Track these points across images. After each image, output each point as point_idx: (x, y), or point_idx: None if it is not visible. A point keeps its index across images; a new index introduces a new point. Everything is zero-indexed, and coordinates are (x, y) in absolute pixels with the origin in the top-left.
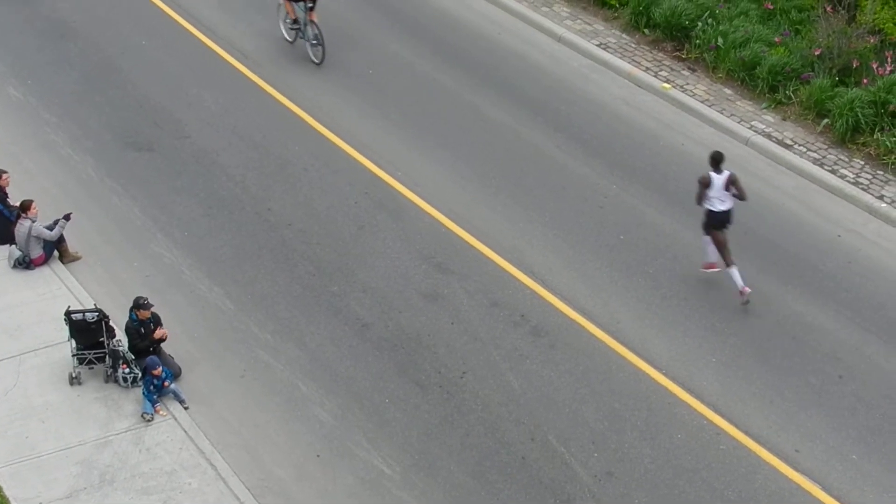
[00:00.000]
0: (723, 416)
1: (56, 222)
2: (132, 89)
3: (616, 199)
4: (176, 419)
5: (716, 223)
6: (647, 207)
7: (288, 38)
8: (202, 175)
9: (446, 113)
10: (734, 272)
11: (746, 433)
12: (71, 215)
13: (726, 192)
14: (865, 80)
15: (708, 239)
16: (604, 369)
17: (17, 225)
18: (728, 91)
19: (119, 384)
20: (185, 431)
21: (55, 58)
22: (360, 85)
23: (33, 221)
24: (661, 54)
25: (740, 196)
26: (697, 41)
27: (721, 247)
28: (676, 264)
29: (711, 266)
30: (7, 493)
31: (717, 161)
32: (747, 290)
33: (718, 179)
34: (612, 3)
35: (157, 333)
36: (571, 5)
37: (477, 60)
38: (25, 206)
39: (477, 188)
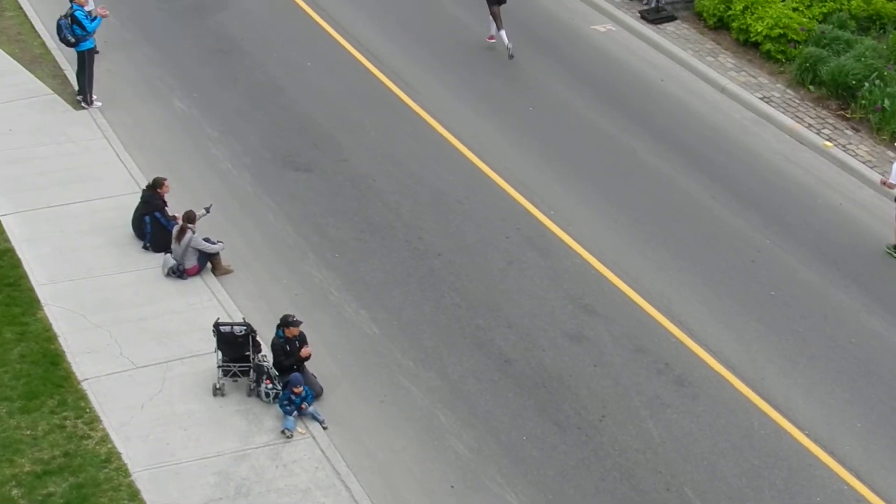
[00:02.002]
0: (864, 482)
1: (211, 240)
2: (294, 109)
3: (769, 254)
4: (314, 438)
5: None
6: (799, 265)
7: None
8: (357, 199)
9: (603, 155)
10: None
11: (888, 503)
12: (211, 207)
13: None
14: None
15: None
16: (745, 425)
17: (183, 236)
18: (891, 154)
19: (261, 399)
20: (323, 451)
21: (221, 74)
22: (519, 121)
23: (193, 233)
24: (824, 112)
25: None
26: (863, 101)
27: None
28: (826, 325)
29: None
30: (144, 496)
31: None
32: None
33: None
34: (779, 57)
35: (303, 352)
36: (737, 57)
37: (637, 105)
38: (190, 217)
39: (629, 232)
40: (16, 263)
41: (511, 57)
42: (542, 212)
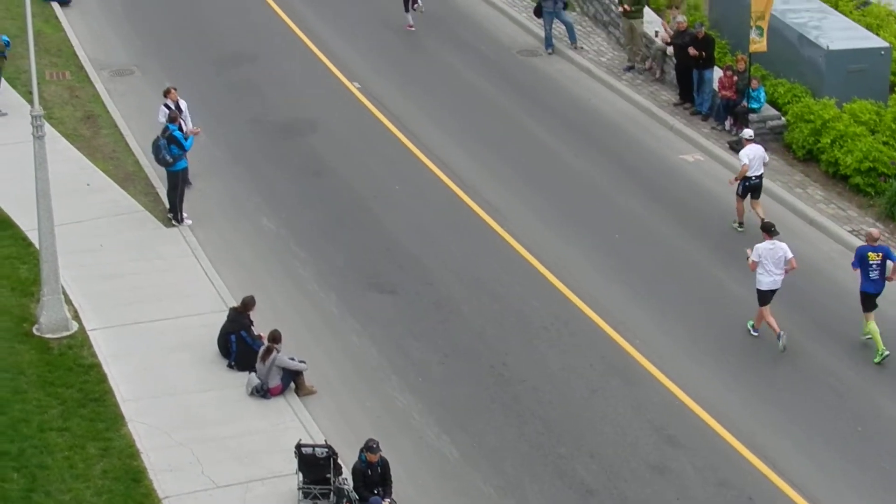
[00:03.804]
0: None
1: (295, 359)
2: (380, 231)
3: (856, 390)
4: None
5: None
6: (886, 400)
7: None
8: (442, 322)
9: (691, 286)
10: None
11: None
12: None
13: None
14: None
15: None
16: None
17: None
18: None
19: None
20: None
21: (309, 194)
22: (606, 248)
23: (278, 352)
24: None
25: None
26: None
27: None
28: None
29: None
30: None
31: None
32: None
33: None
34: (868, 190)
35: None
36: (826, 189)
37: (727, 236)
38: (276, 338)
39: (715, 363)
40: (102, 378)
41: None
42: (627, 340)
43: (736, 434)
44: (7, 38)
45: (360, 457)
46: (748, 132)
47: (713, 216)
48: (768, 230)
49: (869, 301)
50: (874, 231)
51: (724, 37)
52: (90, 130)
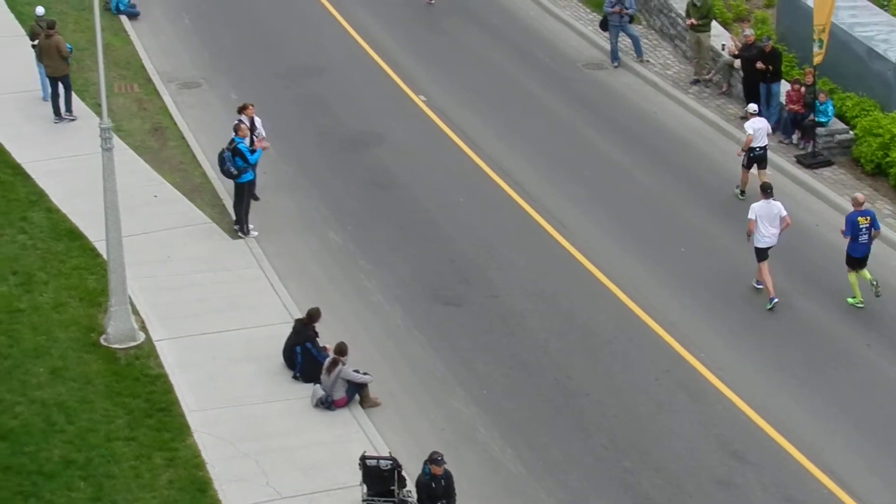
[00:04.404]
0: None
1: (360, 372)
2: (445, 244)
3: None
4: None
5: None
6: None
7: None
8: (507, 335)
9: (759, 301)
10: None
11: None
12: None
13: None
14: None
15: None
16: None
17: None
18: None
19: None
20: None
21: (375, 207)
22: (673, 263)
23: (343, 364)
24: None
25: None
26: None
27: None
28: None
29: None
30: None
31: None
32: None
33: None
34: None
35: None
36: (895, 203)
37: (793, 252)
38: (342, 350)
39: (782, 377)
40: (168, 389)
41: None
42: (692, 354)
43: (803, 451)
44: (70, 46)
45: (424, 469)
46: (753, 106)
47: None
48: (764, 190)
49: (857, 263)
50: (860, 196)
51: (792, 50)
52: (158, 142)
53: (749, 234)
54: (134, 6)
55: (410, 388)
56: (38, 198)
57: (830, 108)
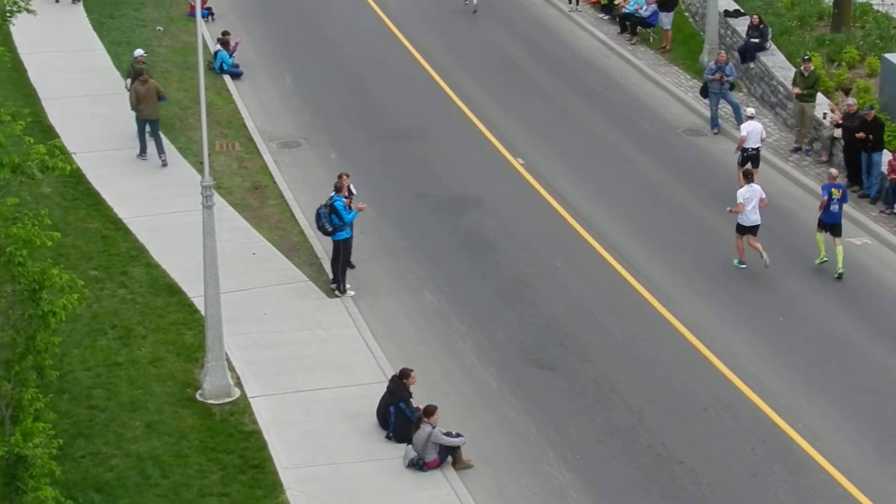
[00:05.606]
0: None
1: (451, 434)
2: (541, 308)
3: None
4: None
5: None
6: None
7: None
8: (600, 401)
9: (856, 372)
10: None
11: None
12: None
13: None
14: None
15: None
16: None
17: (419, 430)
18: None
19: None
20: None
21: (472, 269)
22: (770, 331)
23: (433, 427)
24: None
25: None
26: None
27: None
28: None
29: None
30: None
31: None
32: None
33: None
34: None
35: None
36: None
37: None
38: (430, 412)
39: (876, 446)
40: (262, 446)
41: None
42: (789, 424)
43: None
44: (165, 97)
45: None
46: (750, 110)
47: (882, 302)
48: (746, 176)
49: (827, 228)
50: (833, 171)
51: (894, 120)
52: (257, 200)
53: (738, 212)
54: (237, 66)
55: (503, 451)
56: (139, 253)
57: None
